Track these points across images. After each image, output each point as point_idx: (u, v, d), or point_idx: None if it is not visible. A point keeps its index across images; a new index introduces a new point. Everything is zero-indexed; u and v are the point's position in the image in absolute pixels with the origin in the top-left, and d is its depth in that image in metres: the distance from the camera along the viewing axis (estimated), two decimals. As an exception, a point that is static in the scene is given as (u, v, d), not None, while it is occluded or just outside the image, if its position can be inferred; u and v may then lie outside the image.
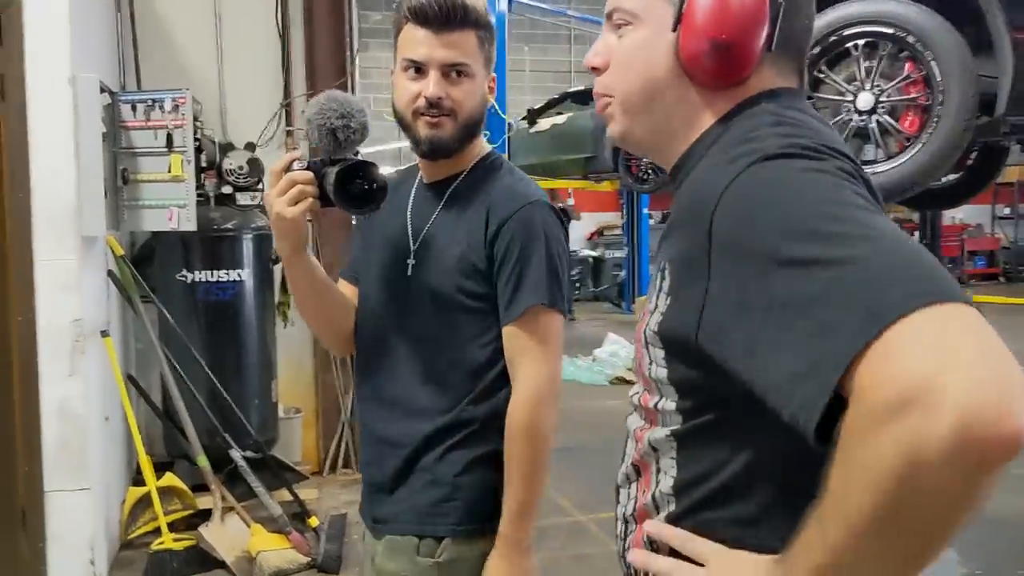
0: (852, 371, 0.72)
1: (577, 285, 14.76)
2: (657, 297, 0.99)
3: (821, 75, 3.48)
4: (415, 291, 1.74)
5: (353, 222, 1.96)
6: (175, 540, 4.00)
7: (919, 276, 0.74)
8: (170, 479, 4.27)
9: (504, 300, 1.70)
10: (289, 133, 5.32)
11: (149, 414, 4.76)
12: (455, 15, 1.66)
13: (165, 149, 3.96)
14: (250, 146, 4.80)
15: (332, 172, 1.61)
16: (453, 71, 1.68)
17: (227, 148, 4.75)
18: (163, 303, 4.41)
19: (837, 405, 0.74)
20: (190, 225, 4.04)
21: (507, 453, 1.69)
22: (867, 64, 3.40)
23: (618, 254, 15.03)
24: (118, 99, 4.01)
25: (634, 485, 1.10)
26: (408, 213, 1.78)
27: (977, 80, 3.22)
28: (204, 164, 4.41)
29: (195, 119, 4.06)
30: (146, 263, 4.75)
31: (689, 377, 0.98)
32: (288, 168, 1.62)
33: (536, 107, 12.06)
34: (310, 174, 1.61)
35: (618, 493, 1.13)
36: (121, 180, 3.99)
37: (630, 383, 8.72)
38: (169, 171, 3.97)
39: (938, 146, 3.25)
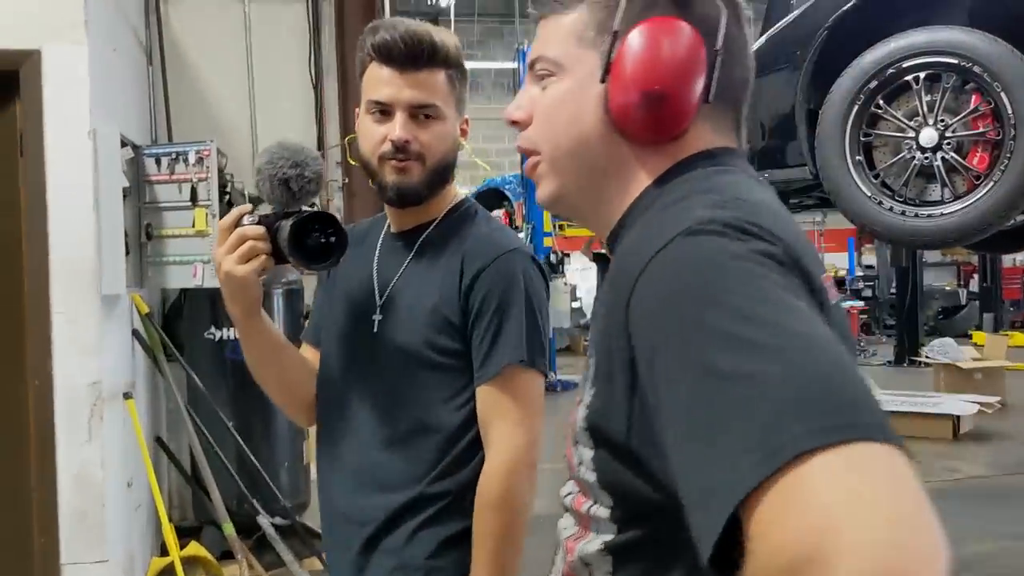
0: (745, 509, 0.63)
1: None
2: (584, 386, 0.87)
3: (879, 111, 3.23)
4: (381, 349, 1.58)
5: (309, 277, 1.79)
6: (200, 613, 3.80)
7: (833, 405, 0.64)
8: (195, 548, 4.07)
9: (479, 357, 1.54)
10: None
11: (180, 479, 4.60)
12: (421, 53, 1.53)
13: (189, 203, 3.83)
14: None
15: (286, 225, 1.44)
16: (421, 113, 1.54)
17: (258, 201, 4.61)
18: (191, 362, 4.25)
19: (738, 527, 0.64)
20: (215, 281, 3.88)
21: (476, 527, 1.52)
22: (929, 98, 3.15)
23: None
24: (142, 153, 3.89)
25: None
26: (374, 265, 1.64)
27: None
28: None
29: (222, 171, 3.93)
30: (176, 321, 4.62)
31: (622, 480, 0.84)
32: (238, 223, 1.48)
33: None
34: (262, 229, 1.47)
35: None
36: (145, 236, 3.85)
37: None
38: (193, 225, 3.84)
39: (1012, 184, 2.98)
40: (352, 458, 1.59)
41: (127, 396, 3.82)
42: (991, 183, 3.03)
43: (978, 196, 3.05)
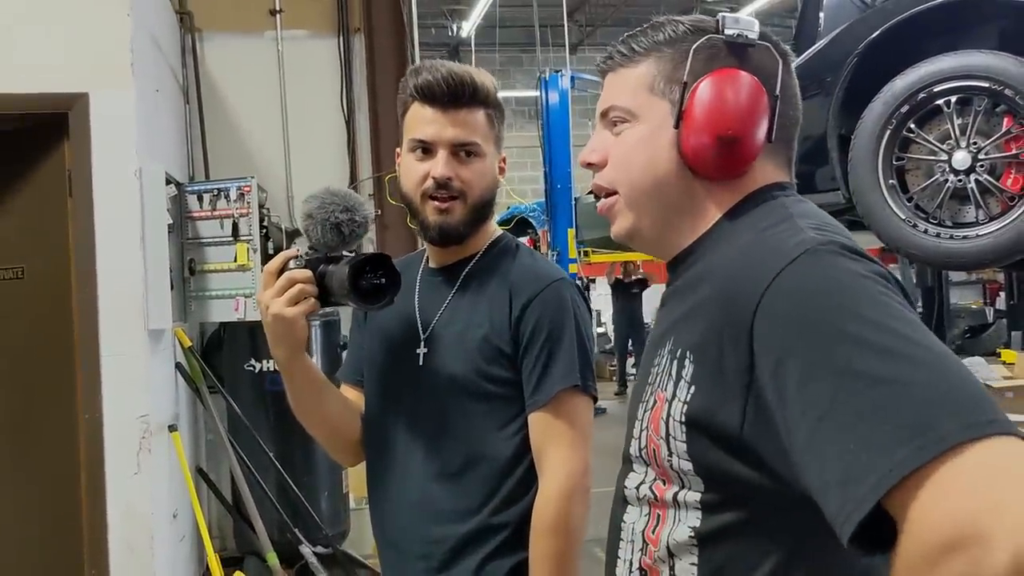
0: (902, 491, 0.72)
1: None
2: (675, 385, 0.96)
3: (911, 135, 3.27)
4: (428, 381, 1.62)
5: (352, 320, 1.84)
6: (245, 643, 3.84)
7: (973, 406, 0.74)
8: (239, 578, 4.12)
9: (531, 384, 1.57)
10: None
11: (220, 509, 4.65)
12: (464, 92, 1.58)
13: (231, 238, 3.91)
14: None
15: (344, 267, 1.50)
16: (462, 151, 1.59)
17: (294, 235, 4.69)
18: (232, 394, 4.32)
19: (879, 512, 0.75)
20: (256, 314, 3.96)
21: (534, 552, 1.54)
22: (961, 121, 3.19)
23: (691, 326, 14.70)
24: (184, 190, 3.98)
25: None
26: (415, 300, 1.67)
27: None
28: (271, 252, 4.36)
29: (261, 207, 4.01)
30: (215, 353, 4.69)
31: (723, 467, 0.93)
32: (284, 267, 1.53)
33: (602, 181, 11.99)
34: (309, 272, 1.53)
35: None
36: (188, 271, 3.93)
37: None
38: (235, 260, 3.92)
39: (1047, 206, 3.01)
40: (405, 492, 1.62)
41: (172, 428, 3.89)
42: (1025, 205, 3.06)
43: (1013, 217, 3.08)
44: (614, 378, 13.53)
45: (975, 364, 9.57)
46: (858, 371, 0.78)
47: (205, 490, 4.57)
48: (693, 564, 0.96)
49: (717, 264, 0.98)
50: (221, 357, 4.61)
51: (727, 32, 1.04)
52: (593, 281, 12.70)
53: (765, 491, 0.91)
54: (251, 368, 4.48)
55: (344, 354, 4.59)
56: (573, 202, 11.26)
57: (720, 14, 1.05)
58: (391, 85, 5.39)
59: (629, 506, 1.04)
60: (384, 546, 1.68)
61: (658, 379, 1.00)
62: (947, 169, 3.20)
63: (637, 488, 1.03)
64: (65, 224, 3.52)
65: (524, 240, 12.83)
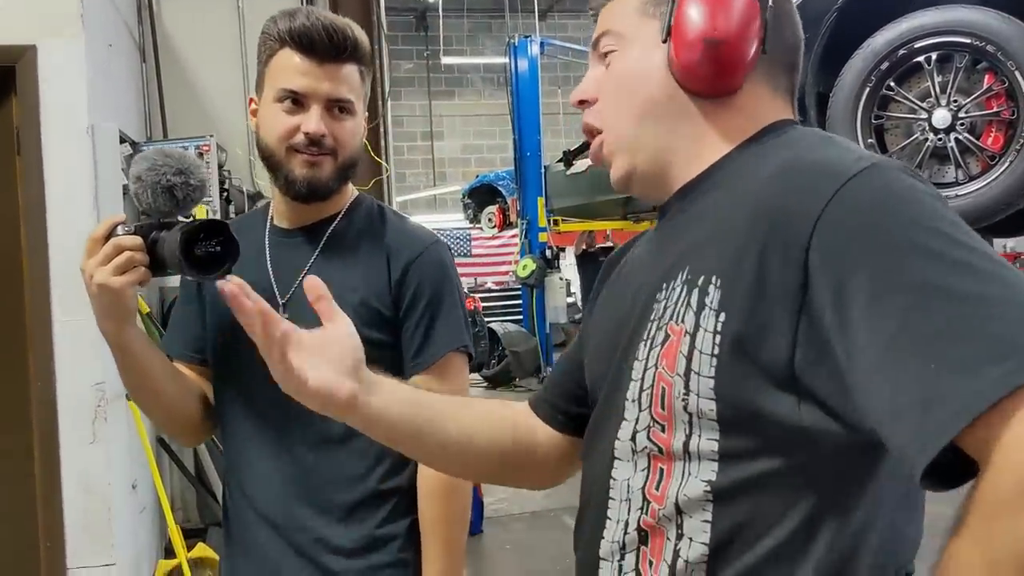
0: (989, 418, 0.65)
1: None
2: (698, 314, 0.86)
3: (890, 92, 3.19)
4: None
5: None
6: (208, 616, 3.75)
7: None
8: (202, 550, 4.02)
9: (414, 347, 1.55)
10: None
11: (182, 480, 4.55)
12: (346, 46, 1.51)
13: (189, 200, 3.77)
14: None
15: (176, 233, 1.35)
16: (336, 107, 1.52)
17: (256, 197, 4.57)
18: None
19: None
20: (221, 279, 3.84)
21: (426, 515, 1.54)
22: (941, 78, 3.12)
23: (660, 295, 14.72)
24: (140, 150, 3.82)
25: (632, 556, 0.91)
26: (268, 264, 1.58)
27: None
28: (233, 215, 4.22)
29: (221, 167, 3.87)
30: (174, 320, 4.56)
31: (756, 406, 0.82)
32: (111, 234, 1.40)
33: (572, 149, 11.92)
34: (139, 239, 1.39)
35: (598, 569, 0.95)
36: (145, 234, 3.79)
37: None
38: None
39: (1028, 163, 2.95)
40: (282, 466, 1.53)
41: (129, 397, 3.76)
42: (1006, 163, 3.00)
43: (993, 176, 3.03)
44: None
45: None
46: (937, 285, 0.71)
47: (167, 461, 4.45)
48: (706, 522, 0.86)
49: (747, 189, 0.89)
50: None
51: None
52: (563, 250, 12.61)
53: (803, 435, 0.82)
54: (213, 335, 4.36)
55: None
56: (543, 170, 11.19)
57: None
58: (356, 45, 5.26)
59: (618, 461, 0.94)
60: (250, 521, 1.56)
61: (668, 312, 0.90)
62: (927, 128, 3.14)
63: (633, 439, 0.92)
64: (14, 185, 3.37)
65: (493, 209, 12.76)
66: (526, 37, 11.20)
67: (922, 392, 0.68)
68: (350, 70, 1.52)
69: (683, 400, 0.86)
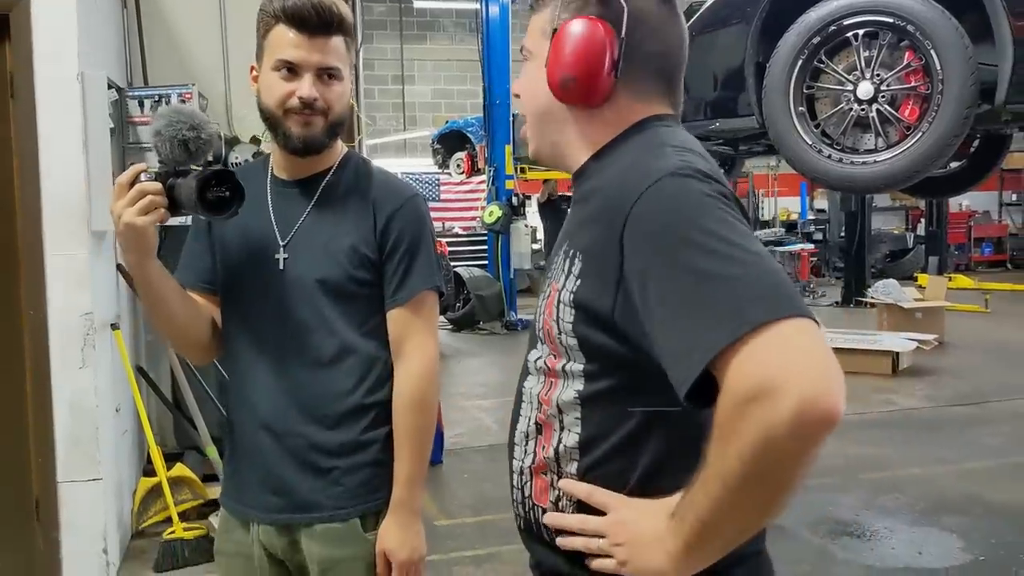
0: (722, 359, 0.97)
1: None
2: (566, 278, 1.20)
3: (821, 65, 3.50)
4: (292, 284, 1.80)
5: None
6: (186, 529, 4.06)
7: (778, 295, 0.98)
8: (181, 469, 4.33)
9: (393, 284, 1.82)
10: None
11: (159, 406, 4.82)
12: (332, 22, 1.75)
13: (172, 144, 4.00)
14: (255, 140, 4.84)
15: (192, 180, 1.64)
16: (325, 74, 1.76)
17: (233, 142, 4.79)
18: (172, 296, 4.44)
19: (708, 377, 1.00)
20: (198, 218, 4.07)
21: (400, 425, 1.82)
22: (867, 54, 3.42)
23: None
24: (125, 95, 4.04)
25: (532, 442, 1.27)
26: (270, 211, 1.83)
27: (977, 68, 3.23)
28: (211, 159, 4.43)
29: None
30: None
31: (599, 343, 1.17)
32: (135, 180, 1.66)
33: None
34: (159, 184, 1.66)
35: (512, 450, 1.31)
36: (129, 175, 4.02)
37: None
38: (177, 166, 4.00)
39: (938, 134, 3.27)
40: (280, 380, 1.80)
41: (114, 327, 4.03)
42: (920, 133, 3.32)
43: (907, 145, 3.34)
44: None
45: (888, 285, 10.05)
46: (693, 269, 1.03)
47: (145, 388, 4.72)
48: (577, 419, 1.21)
49: (603, 183, 1.21)
50: (162, 260, 4.70)
51: None
52: (529, 198, 12.83)
53: (630, 363, 1.16)
54: (191, 272, 4.60)
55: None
56: (512, 118, 11.35)
57: None
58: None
59: (529, 375, 1.30)
60: (253, 429, 1.83)
61: (553, 273, 1.24)
62: (852, 98, 3.45)
63: (535, 361, 1.28)
64: (7, 126, 3.59)
65: (462, 155, 12.88)
66: (499, -16, 11.26)
67: (679, 346, 1.02)
68: (337, 42, 1.76)
69: (559, 338, 1.21)
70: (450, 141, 13.00)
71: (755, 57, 3.69)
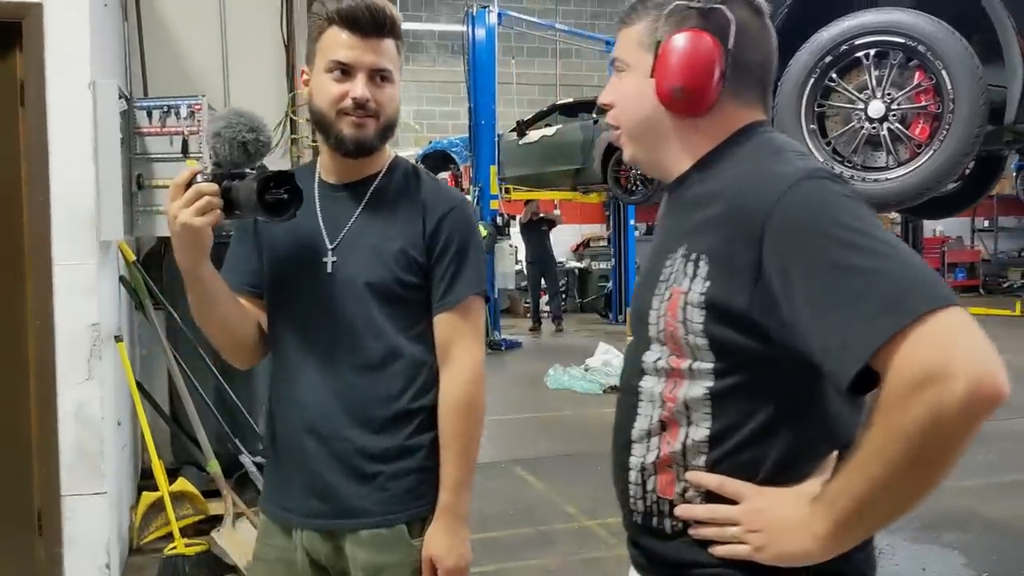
0: (884, 350, 1.03)
1: (563, 296, 14.81)
2: (691, 280, 1.24)
3: (832, 84, 3.55)
4: (341, 287, 1.78)
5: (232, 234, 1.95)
6: (187, 545, 3.99)
7: (932, 286, 1.06)
8: (183, 484, 4.27)
9: (441, 289, 1.81)
10: (294, 141, 5.35)
11: (154, 420, 4.76)
12: (385, 23, 1.74)
13: (180, 155, 3.99)
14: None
15: (251, 182, 1.64)
16: (378, 75, 1.75)
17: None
18: (171, 309, 4.41)
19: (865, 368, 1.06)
20: (206, 230, 4.05)
21: (447, 429, 1.80)
22: (878, 73, 3.48)
23: (604, 265, 15.11)
24: (134, 105, 4.02)
25: (655, 439, 1.31)
26: (318, 214, 1.82)
27: (986, 88, 3.30)
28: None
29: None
30: (153, 268, 4.75)
31: (731, 341, 1.21)
32: (192, 181, 1.65)
33: (525, 119, 12.17)
34: (215, 186, 1.65)
35: (629, 448, 1.34)
36: (136, 185, 4.00)
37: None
38: (185, 176, 3.99)
39: (949, 153, 3.33)
40: (328, 383, 1.79)
41: (118, 339, 3.99)
42: (931, 151, 3.38)
43: (919, 163, 3.40)
44: (528, 315, 13.82)
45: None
46: (844, 264, 1.08)
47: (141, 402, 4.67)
48: (707, 414, 1.25)
49: (724, 188, 1.25)
50: (161, 272, 4.68)
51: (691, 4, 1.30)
52: (513, 218, 12.88)
53: (763, 359, 1.20)
54: (192, 284, 4.56)
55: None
56: (496, 139, 11.41)
57: None
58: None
59: (646, 376, 1.33)
60: (300, 432, 1.81)
61: (672, 277, 1.28)
62: (863, 117, 3.50)
63: (655, 362, 1.31)
64: (16, 134, 3.55)
65: (446, 176, 12.92)
66: (484, 7, 11.36)
67: (838, 337, 1.07)
68: (389, 44, 1.76)
69: (685, 339, 1.25)
70: (434, 161, 13.04)
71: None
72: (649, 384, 1.32)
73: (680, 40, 1.29)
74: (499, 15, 11.53)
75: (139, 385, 4.58)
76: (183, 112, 3.99)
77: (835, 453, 1.22)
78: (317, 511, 1.81)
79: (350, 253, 1.80)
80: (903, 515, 1.10)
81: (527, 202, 13.29)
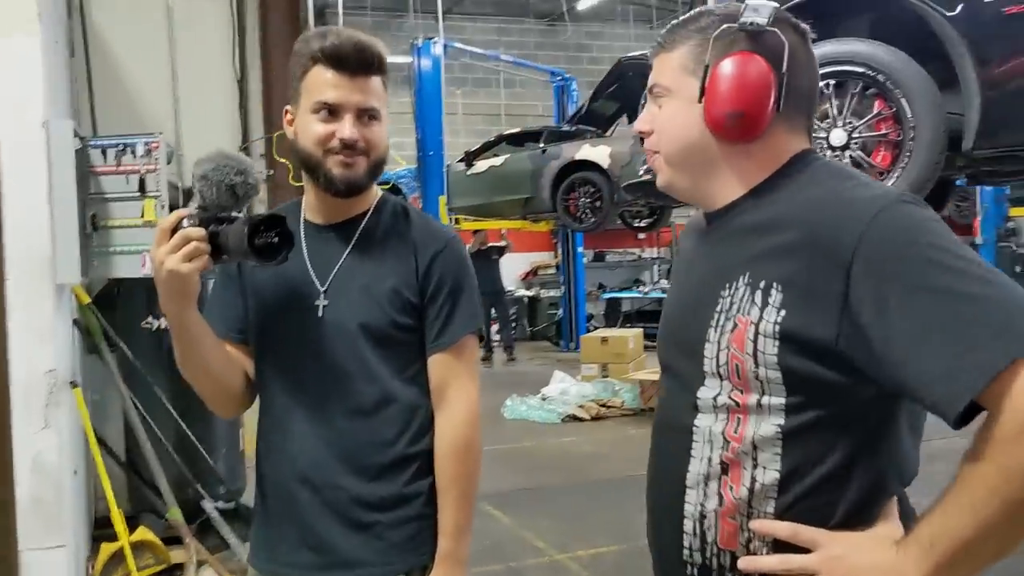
0: (997, 380, 0.98)
1: (514, 325, 14.80)
2: (762, 309, 1.17)
3: (794, 113, 3.59)
4: (332, 330, 1.73)
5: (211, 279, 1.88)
6: (149, 596, 3.88)
7: None
8: (143, 533, 4.13)
9: (435, 328, 1.76)
10: (269, 179, 5.25)
11: (110, 467, 4.61)
12: (373, 61, 1.70)
13: (138, 194, 3.89)
14: (214, 190, 4.73)
15: (241, 226, 1.59)
16: (366, 115, 1.70)
17: (190, 193, 4.67)
18: (127, 349, 4.29)
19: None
20: (164, 270, 3.95)
21: (445, 473, 1.75)
22: (838, 102, 3.53)
23: (553, 293, 15.14)
24: (88, 144, 3.93)
25: (714, 483, 1.22)
26: (305, 255, 1.77)
27: (946, 115, 3.36)
28: (166, 209, 4.32)
29: (169, 163, 4.00)
30: (103, 309, 4.63)
31: (810, 374, 1.14)
32: (178, 226, 1.59)
33: (472, 149, 12.18)
34: (203, 231, 1.59)
35: (683, 495, 1.25)
36: (91, 226, 3.90)
37: (580, 420, 8.62)
38: (142, 216, 3.90)
39: (911, 179, 3.38)
40: (319, 430, 1.73)
41: (74, 385, 3.86)
42: (893, 178, 3.43)
43: (882, 190, 3.44)
44: (481, 344, 13.76)
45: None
46: (948, 290, 1.04)
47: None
48: (776, 455, 1.18)
49: (793, 215, 1.20)
50: (115, 315, 4.55)
51: (741, 20, 1.24)
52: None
53: (843, 392, 1.14)
54: (148, 326, 4.46)
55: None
56: (444, 169, 11.40)
57: (745, 3, 1.25)
58: (284, 46, 5.39)
59: (700, 413, 1.24)
60: (292, 482, 1.75)
61: (735, 307, 1.21)
62: (825, 145, 3.55)
63: (713, 398, 1.23)
64: (-33, 175, 3.44)
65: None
66: (429, 39, 11.38)
67: (943, 366, 1.02)
68: (376, 81, 1.70)
69: (754, 372, 1.17)
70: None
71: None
72: (706, 422, 1.24)
73: (733, 64, 1.24)
74: (445, 46, 11.56)
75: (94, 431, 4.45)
76: (139, 150, 3.89)
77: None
78: (312, 563, 1.74)
79: (341, 295, 1.75)
80: (1009, 555, 1.05)
81: (475, 232, 13.27)
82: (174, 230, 1.59)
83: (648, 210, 11.23)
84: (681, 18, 1.33)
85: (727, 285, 1.23)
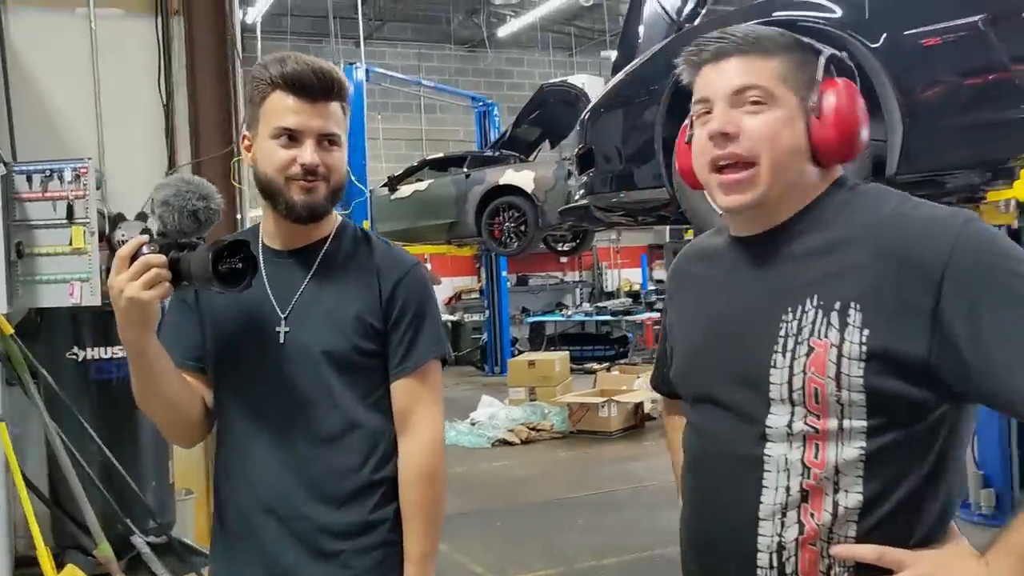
0: None
1: (437, 350, 14.71)
2: (841, 331, 1.18)
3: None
4: (294, 357, 1.72)
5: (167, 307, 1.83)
6: (78, 637, 3.74)
7: None
8: (72, 572, 3.98)
9: (399, 354, 1.76)
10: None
11: (33, 504, 4.44)
12: (333, 87, 1.70)
13: (66, 221, 3.78)
14: (142, 216, 4.62)
15: (204, 252, 1.58)
16: (326, 140, 1.70)
17: (118, 219, 4.56)
18: (51, 379, 4.15)
19: None
20: (94, 299, 3.84)
21: (410, 500, 1.74)
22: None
23: (477, 317, 15.14)
24: (12, 169, 3.81)
25: (793, 512, 1.21)
26: (265, 281, 1.75)
27: (869, 142, 3.48)
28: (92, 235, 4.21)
29: (98, 189, 3.89)
30: (25, 339, 4.47)
31: (896, 393, 1.16)
32: (137, 253, 1.58)
33: (395, 174, 12.16)
34: (163, 257, 1.58)
35: (756, 527, 1.22)
36: (16, 254, 3.77)
37: (511, 444, 8.66)
38: (70, 243, 3.78)
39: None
40: (282, 459, 1.72)
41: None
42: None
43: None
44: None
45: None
46: None
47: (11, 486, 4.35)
48: (859, 478, 1.19)
49: (861, 233, 1.23)
50: (36, 345, 4.40)
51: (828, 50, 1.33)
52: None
53: (928, 409, 1.17)
54: (74, 356, 4.33)
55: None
56: (368, 195, 11.35)
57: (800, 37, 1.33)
58: (212, 70, 5.32)
59: (770, 442, 1.23)
60: (255, 512, 1.73)
61: (806, 330, 1.21)
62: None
63: (788, 426, 1.22)
64: None
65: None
66: (351, 63, 11.35)
67: None
68: (335, 107, 1.71)
69: (835, 395, 1.18)
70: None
71: (663, 133, 3.85)
72: (779, 451, 1.22)
73: (847, 88, 1.29)
74: (367, 71, 11.55)
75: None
76: (67, 176, 3.78)
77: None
78: None
79: (303, 322, 1.74)
80: None
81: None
82: (133, 257, 1.57)
83: (572, 234, 11.36)
84: (751, 30, 1.32)
85: (789, 309, 1.23)
